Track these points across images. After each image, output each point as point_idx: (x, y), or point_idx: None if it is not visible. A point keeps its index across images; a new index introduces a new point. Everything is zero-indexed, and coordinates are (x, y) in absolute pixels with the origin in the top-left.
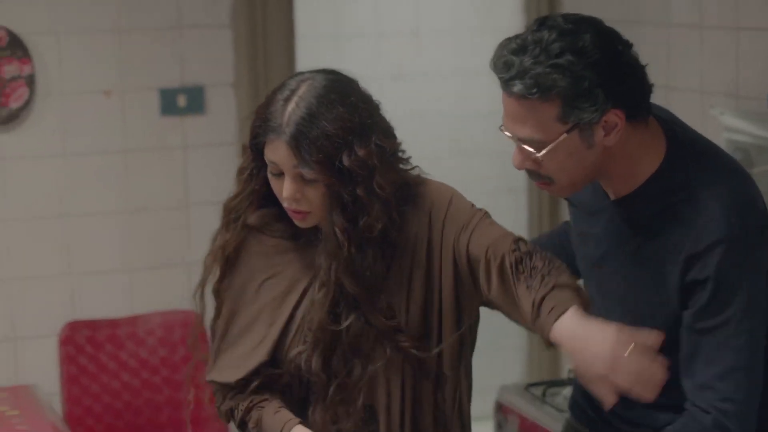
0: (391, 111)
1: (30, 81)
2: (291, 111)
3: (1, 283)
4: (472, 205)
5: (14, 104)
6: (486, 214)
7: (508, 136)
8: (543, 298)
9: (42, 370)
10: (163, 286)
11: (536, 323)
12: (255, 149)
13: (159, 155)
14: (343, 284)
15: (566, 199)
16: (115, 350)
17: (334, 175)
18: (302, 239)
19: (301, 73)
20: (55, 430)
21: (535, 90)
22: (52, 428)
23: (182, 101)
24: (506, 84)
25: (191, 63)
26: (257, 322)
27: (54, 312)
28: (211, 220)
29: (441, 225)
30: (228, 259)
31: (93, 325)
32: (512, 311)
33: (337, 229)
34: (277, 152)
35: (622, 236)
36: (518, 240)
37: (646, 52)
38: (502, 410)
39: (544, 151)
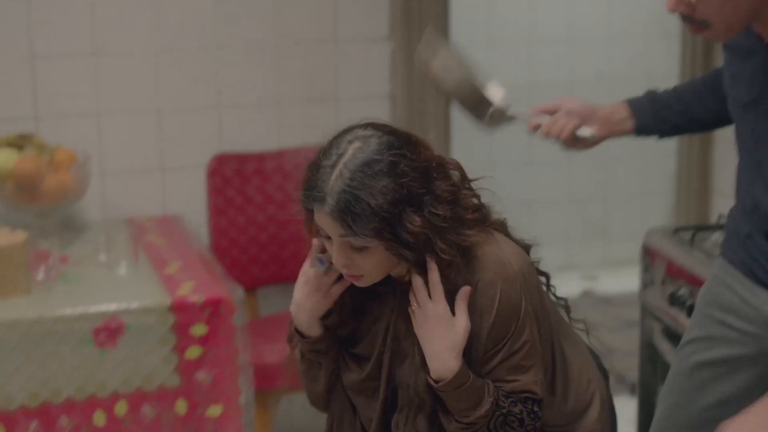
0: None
1: None
2: (334, 181)
3: (151, 114)
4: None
5: None
6: (525, 343)
7: None
8: None
9: (190, 202)
10: (310, 121)
11: None
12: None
13: None
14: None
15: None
16: (261, 183)
17: (386, 240)
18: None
19: (353, 128)
20: (202, 259)
21: None
22: (198, 258)
23: None
24: None
25: None
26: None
27: (203, 144)
28: (360, 57)
29: (479, 317)
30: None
31: (241, 158)
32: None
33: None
34: (322, 221)
35: None
36: (529, 400)
37: None
38: (649, 254)
39: None
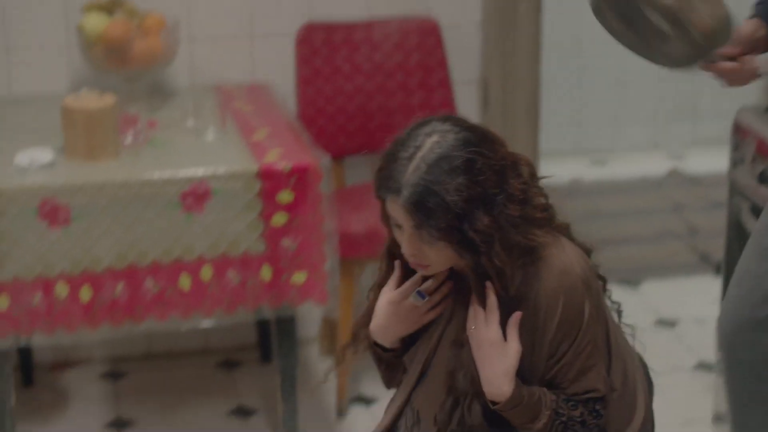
0: None
1: None
2: (411, 173)
3: None
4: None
5: None
6: (588, 344)
7: None
8: None
9: (278, 71)
10: None
11: None
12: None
13: None
14: None
15: None
16: (350, 54)
17: (454, 239)
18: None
19: (431, 121)
20: (289, 127)
21: None
22: (286, 125)
23: None
24: None
25: None
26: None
27: (292, 12)
28: None
29: (543, 323)
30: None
31: (330, 27)
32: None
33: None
34: (396, 211)
35: None
36: (590, 401)
37: None
38: (739, 132)
39: None
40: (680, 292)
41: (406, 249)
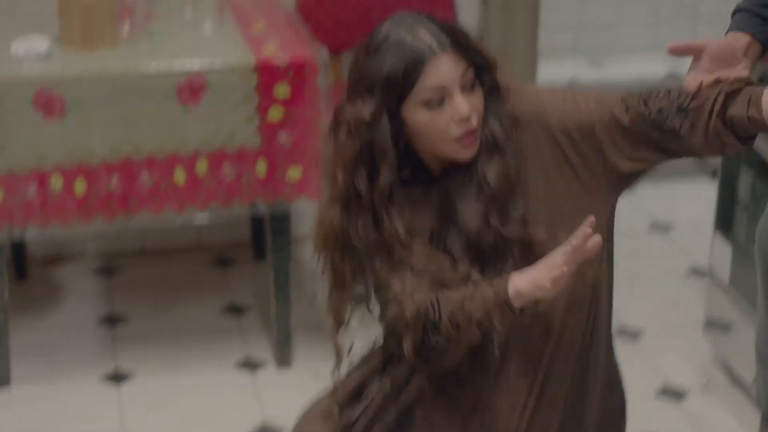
0: None
1: None
2: (427, 33)
3: None
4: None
5: None
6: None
7: None
8: (727, 94)
9: None
10: None
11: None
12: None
13: None
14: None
15: None
16: None
17: (486, 67)
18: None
19: (380, 24)
20: (288, 20)
21: None
22: (284, 18)
23: None
24: None
25: None
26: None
27: None
28: None
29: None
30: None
31: None
32: (668, 147)
33: (497, 130)
34: (442, 70)
35: None
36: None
37: None
38: None
39: None
40: (675, 195)
41: (466, 108)
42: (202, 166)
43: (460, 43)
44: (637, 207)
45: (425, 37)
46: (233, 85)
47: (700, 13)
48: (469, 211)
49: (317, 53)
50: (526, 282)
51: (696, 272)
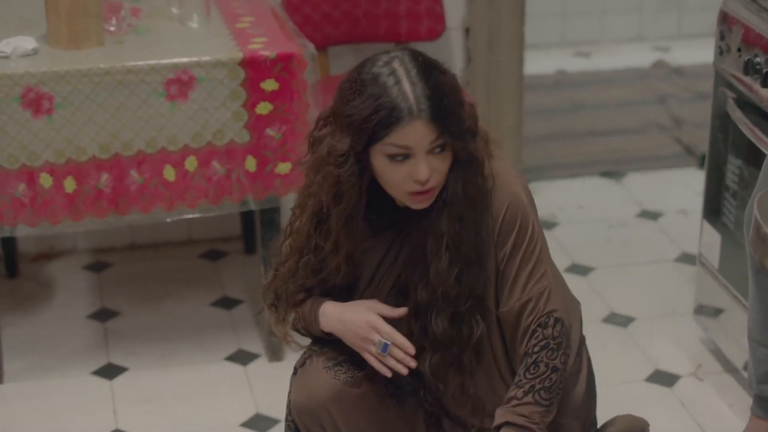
0: None
1: None
2: (411, 91)
3: None
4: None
5: None
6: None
7: None
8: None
9: None
10: None
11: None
12: (361, 151)
13: None
14: (462, 246)
15: None
16: None
17: (462, 137)
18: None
19: (371, 59)
20: (274, 15)
21: None
22: (271, 13)
23: None
24: None
25: None
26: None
27: None
28: None
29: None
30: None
31: None
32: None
33: (465, 188)
34: (413, 134)
35: None
36: (552, 313)
37: None
38: (726, 20)
39: None
40: (664, 184)
41: (426, 172)
42: (191, 163)
43: (441, 112)
44: (626, 196)
45: (408, 95)
46: (221, 80)
47: (685, 2)
48: (414, 253)
49: (304, 47)
50: (337, 316)
51: (685, 259)
